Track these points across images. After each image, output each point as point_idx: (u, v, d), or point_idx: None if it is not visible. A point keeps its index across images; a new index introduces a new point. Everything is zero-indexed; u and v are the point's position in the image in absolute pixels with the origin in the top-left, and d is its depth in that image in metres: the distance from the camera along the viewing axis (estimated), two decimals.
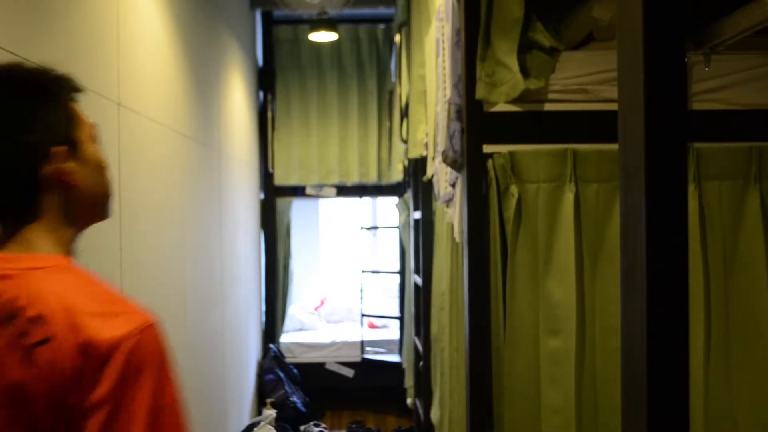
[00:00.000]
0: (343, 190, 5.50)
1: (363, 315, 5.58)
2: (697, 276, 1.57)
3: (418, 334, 3.98)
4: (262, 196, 5.32)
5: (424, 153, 3.09)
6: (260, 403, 4.68)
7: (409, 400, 4.66)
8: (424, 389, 3.62)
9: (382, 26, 5.47)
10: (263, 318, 5.33)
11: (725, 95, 1.67)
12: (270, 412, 4.16)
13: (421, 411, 3.84)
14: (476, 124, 1.73)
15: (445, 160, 1.90)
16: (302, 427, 4.45)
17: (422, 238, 3.67)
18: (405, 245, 5.00)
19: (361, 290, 5.68)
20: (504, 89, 1.66)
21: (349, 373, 5.36)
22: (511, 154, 1.70)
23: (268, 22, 5.38)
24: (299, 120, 5.43)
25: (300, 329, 5.81)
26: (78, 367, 0.79)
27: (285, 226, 5.56)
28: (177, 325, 2.55)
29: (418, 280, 3.85)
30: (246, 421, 4.15)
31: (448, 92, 1.94)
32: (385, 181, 5.44)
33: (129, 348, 0.80)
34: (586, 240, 1.66)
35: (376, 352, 5.47)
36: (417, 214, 3.87)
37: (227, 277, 3.71)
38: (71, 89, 0.93)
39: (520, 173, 1.70)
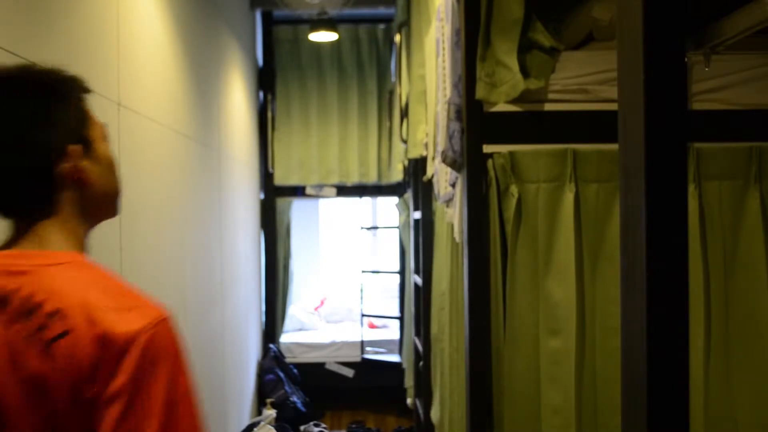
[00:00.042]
0: (343, 190, 5.50)
1: (363, 315, 5.58)
2: (697, 276, 1.57)
3: (418, 334, 3.98)
4: (262, 196, 5.32)
5: (424, 153, 3.09)
6: (260, 403, 4.68)
7: (409, 400, 4.66)
8: (424, 389, 3.62)
9: (382, 26, 5.47)
10: (263, 318, 5.33)
11: (725, 95, 1.67)
12: (270, 412, 4.16)
13: (421, 411, 3.84)
14: (476, 124, 1.73)
15: (444, 160, 1.90)
16: (302, 427, 4.45)
17: (422, 238, 3.67)
18: (405, 245, 5.00)
19: (361, 290, 5.68)
20: (504, 89, 1.66)
21: (349, 373, 5.36)
22: (511, 154, 1.70)
23: (268, 22, 5.38)
24: (299, 120, 5.43)
25: (300, 329, 5.81)
26: (96, 360, 0.81)
27: (285, 226, 5.56)
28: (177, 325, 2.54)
29: (418, 280, 3.85)
30: (246, 421, 4.15)
31: (448, 92, 1.94)
32: (385, 181, 5.44)
33: (145, 341, 0.83)
34: (586, 240, 1.67)
35: (376, 352, 5.47)
36: (417, 214, 3.87)
37: (227, 277, 3.71)
38: (82, 90, 0.95)
39: (520, 173, 1.70)
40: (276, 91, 5.38)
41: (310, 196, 5.49)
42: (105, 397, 0.81)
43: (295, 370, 5.14)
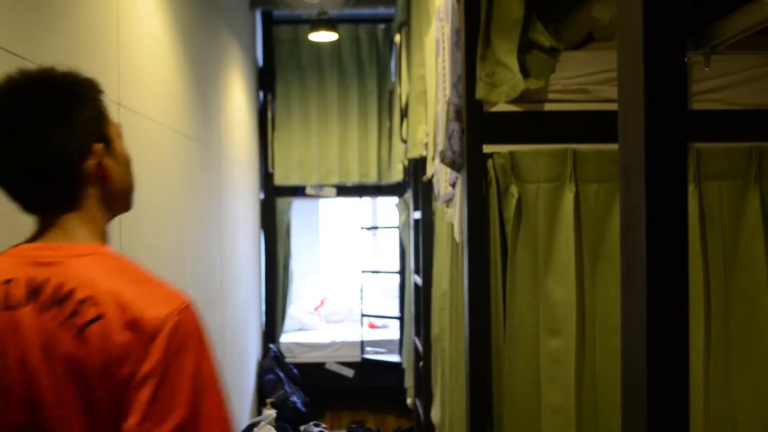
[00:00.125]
0: (343, 190, 5.49)
1: (363, 315, 5.58)
2: (697, 276, 1.57)
3: (418, 334, 3.98)
4: (262, 196, 5.32)
5: (424, 153, 3.09)
6: (260, 403, 4.68)
7: (409, 400, 4.66)
8: (424, 389, 3.62)
9: (382, 26, 5.47)
10: (263, 318, 5.33)
11: (725, 95, 1.67)
12: (270, 412, 4.16)
13: (421, 411, 3.84)
14: (476, 124, 1.73)
15: (443, 160, 1.90)
16: (302, 427, 4.46)
17: (422, 238, 3.67)
18: (405, 245, 5.00)
19: (361, 290, 5.68)
20: (504, 89, 1.65)
21: (349, 373, 5.36)
22: (511, 154, 1.70)
23: (268, 22, 5.38)
24: (299, 120, 5.43)
25: (300, 329, 5.81)
26: (127, 344, 0.87)
27: (285, 226, 5.56)
28: None
29: (418, 280, 3.85)
30: (246, 421, 4.15)
31: (448, 92, 1.94)
32: (385, 181, 5.44)
33: (172, 326, 0.89)
34: (586, 240, 1.66)
35: (376, 352, 5.47)
36: (417, 214, 3.87)
37: (227, 277, 3.71)
38: (97, 91, 1.01)
39: (520, 173, 1.70)
40: (276, 91, 5.38)
41: (310, 196, 5.49)
42: (136, 379, 0.86)
43: (295, 370, 5.14)
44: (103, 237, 1.00)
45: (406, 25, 3.72)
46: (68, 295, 0.89)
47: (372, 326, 5.89)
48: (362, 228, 6.35)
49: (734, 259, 1.61)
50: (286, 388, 4.76)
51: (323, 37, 4.77)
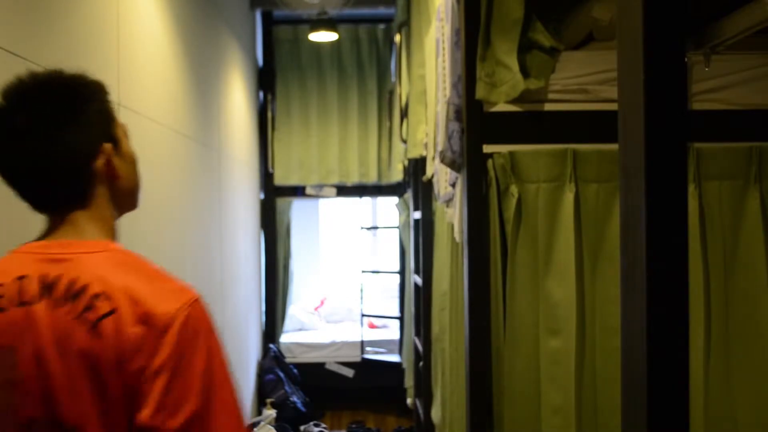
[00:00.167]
0: (343, 190, 5.49)
1: (363, 315, 5.58)
2: (697, 276, 1.57)
3: (418, 334, 3.98)
4: (262, 196, 5.32)
5: (424, 153, 3.09)
6: (260, 403, 4.68)
7: (409, 400, 4.66)
8: (424, 389, 3.62)
9: (382, 26, 5.47)
10: (263, 318, 5.33)
11: (725, 95, 1.67)
12: (270, 412, 4.16)
13: (421, 411, 3.84)
14: (476, 124, 1.73)
15: (443, 160, 1.90)
16: (302, 427, 4.46)
17: (422, 238, 3.67)
18: (405, 245, 5.00)
19: (361, 290, 5.68)
20: (504, 89, 1.65)
21: (349, 373, 5.36)
22: (511, 154, 1.70)
23: (268, 22, 5.38)
24: (299, 120, 5.43)
25: (300, 329, 5.81)
26: (140, 337, 0.89)
27: (285, 226, 5.56)
28: None
29: (418, 280, 3.85)
30: (246, 421, 4.15)
31: (448, 92, 1.94)
32: (385, 181, 5.44)
33: (182, 319, 0.91)
34: (586, 240, 1.66)
35: (376, 352, 5.47)
36: (417, 214, 3.87)
37: (227, 277, 3.71)
38: (104, 92, 1.03)
39: (520, 173, 1.70)
40: (276, 91, 5.38)
41: (310, 196, 5.49)
42: (149, 371, 0.88)
43: (295, 370, 5.14)
44: (112, 234, 1.03)
45: (406, 25, 3.72)
46: (82, 290, 0.91)
47: (372, 326, 5.89)
48: (362, 228, 6.35)
49: (734, 259, 1.61)
50: (286, 388, 4.76)
51: (323, 37, 4.77)
